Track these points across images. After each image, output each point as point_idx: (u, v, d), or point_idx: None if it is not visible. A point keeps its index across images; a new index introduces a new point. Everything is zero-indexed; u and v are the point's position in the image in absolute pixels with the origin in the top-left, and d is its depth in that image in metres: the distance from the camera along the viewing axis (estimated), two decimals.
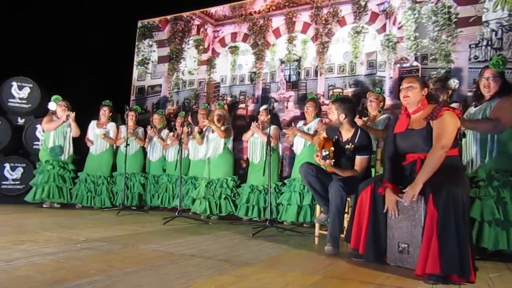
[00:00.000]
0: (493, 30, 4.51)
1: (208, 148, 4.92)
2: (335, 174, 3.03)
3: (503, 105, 2.77)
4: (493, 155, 2.81)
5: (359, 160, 2.99)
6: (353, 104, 3.20)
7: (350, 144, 3.03)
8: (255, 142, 4.82)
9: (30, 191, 5.09)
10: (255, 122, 4.72)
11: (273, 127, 4.61)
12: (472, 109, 3.03)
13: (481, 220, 2.70)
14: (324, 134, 3.33)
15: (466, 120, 2.90)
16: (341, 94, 5.17)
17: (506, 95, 2.80)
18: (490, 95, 2.89)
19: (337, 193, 2.77)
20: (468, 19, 4.64)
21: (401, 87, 2.54)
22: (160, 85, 6.90)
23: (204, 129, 5.05)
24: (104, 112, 5.49)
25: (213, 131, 4.92)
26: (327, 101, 5.28)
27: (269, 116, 4.16)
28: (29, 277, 1.83)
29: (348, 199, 3.16)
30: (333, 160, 2.85)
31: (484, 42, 4.55)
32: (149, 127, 5.66)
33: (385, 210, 2.41)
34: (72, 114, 5.15)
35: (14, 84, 5.79)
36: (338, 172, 2.97)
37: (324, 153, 2.85)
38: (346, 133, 3.11)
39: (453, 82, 3.74)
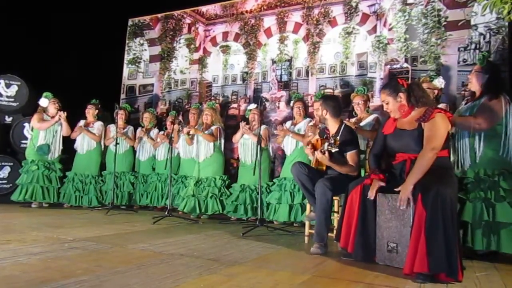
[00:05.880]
0: (481, 34, 4.58)
1: (199, 150, 4.89)
2: (326, 173, 3.04)
3: (487, 106, 2.76)
4: (481, 155, 2.79)
5: (349, 156, 3.00)
6: (335, 101, 3.23)
7: (335, 138, 3.02)
8: (246, 144, 4.79)
9: (16, 190, 5.05)
10: (243, 122, 4.67)
11: (263, 127, 4.61)
12: (462, 105, 3.05)
13: (473, 223, 2.71)
14: (317, 137, 3.35)
15: (456, 117, 2.89)
16: (325, 92, 5.19)
17: (493, 96, 2.77)
18: (480, 93, 2.88)
19: (322, 192, 2.80)
20: (457, 23, 4.71)
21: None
22: (152, 84, 6.86)
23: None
24: (89, 111, 5.48)
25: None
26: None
27: (259, 115, 4.17)
28: (16, 277, 1.81)
29: (337, 198, 3.17)
30: (337, 149, 2.83)
31: (473, 46, 4.62)
32: (139, 129, 5.63)
33: (369, 196, 2.45)
34: (64, 114, 5.13)
35: (2, 82, 5.70)
36: (336, 167, 2.95)
37: (330, 141, 2.81)
38: (332, 129, 3.15)
39: (439, 82, 3.71)
